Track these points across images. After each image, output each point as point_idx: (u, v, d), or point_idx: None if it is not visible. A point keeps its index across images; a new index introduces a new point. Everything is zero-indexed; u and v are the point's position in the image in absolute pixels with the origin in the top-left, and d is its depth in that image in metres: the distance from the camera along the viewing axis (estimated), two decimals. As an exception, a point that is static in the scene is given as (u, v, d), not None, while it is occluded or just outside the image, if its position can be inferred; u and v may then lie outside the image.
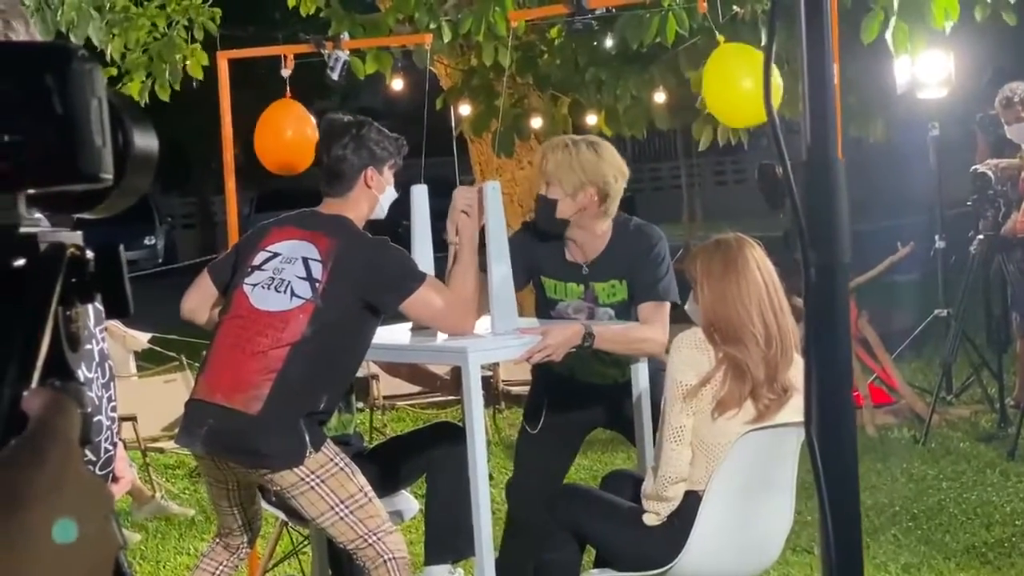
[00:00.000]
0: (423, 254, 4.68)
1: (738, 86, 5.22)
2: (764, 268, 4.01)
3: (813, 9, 1.44)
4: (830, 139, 1.44)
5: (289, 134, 6.56)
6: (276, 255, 4.29)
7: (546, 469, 4.80)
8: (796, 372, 3.98)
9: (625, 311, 4.63)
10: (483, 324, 4.60)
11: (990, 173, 7.80)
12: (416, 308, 4.28)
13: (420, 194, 4.77)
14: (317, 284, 4.20)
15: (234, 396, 4.13)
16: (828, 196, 1.41)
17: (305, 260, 4.24)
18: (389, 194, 4.46)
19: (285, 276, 4.23)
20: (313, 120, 6.67)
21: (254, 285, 4.26)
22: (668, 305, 4.55)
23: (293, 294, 4.20)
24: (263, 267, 4.29)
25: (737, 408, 3.90)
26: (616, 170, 4.56)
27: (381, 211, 4.47)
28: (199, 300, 4.46)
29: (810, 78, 1.44)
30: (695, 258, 4.08)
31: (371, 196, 4.40)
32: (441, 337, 4.47)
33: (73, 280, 0.97)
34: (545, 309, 4.77)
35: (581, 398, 4.80)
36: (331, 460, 4.16)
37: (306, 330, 4.15)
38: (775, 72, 5.45)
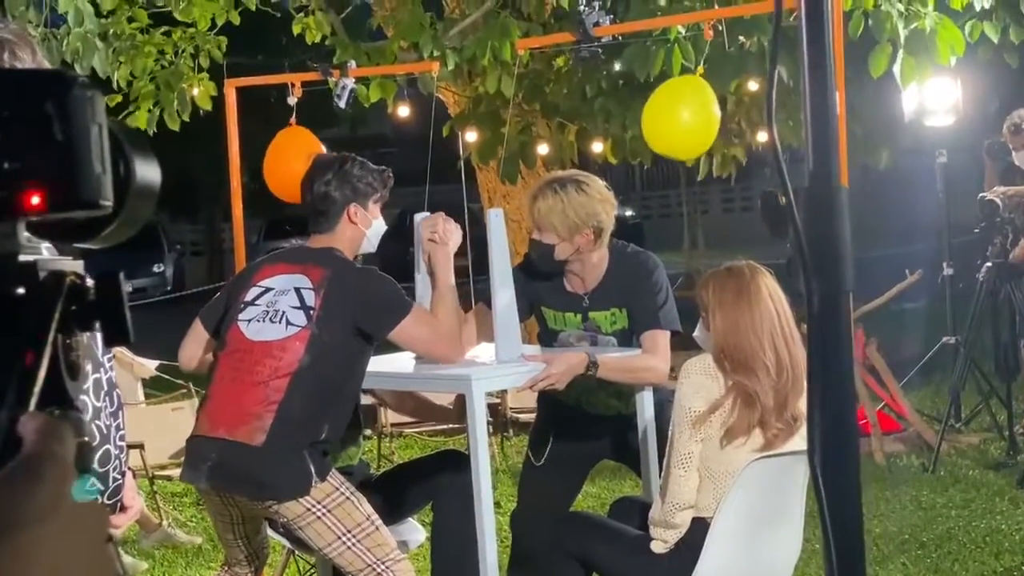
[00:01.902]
0: (426, 282, 4.68)
1: (677, 119, 5.22)
2: (776, 297, 4.00)
3: (814, 37, 1.44)
4: (832, 166, 1.44)
5: (299, 163, 6.58)
6: (269, 289, 4.32)
7: (551, 500, 4.77)
8: (805, 401, 3.97)
9: (627, 339, 4.63)
10: (487, 351, 4.60)
11: (998, 200, 7.79)
12: (404, 336, 4.30)
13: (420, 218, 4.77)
14: (311, 311, 4.21)
15: (237, 429, 4.13)
16: (830, 223, 1.41)
17: (298, 290, 4.27)
18: (377, 227, 4.49)
19: (279, 307, 4.26)
20: (323, 147, 6.68)
21: (248, 320, 4.28)
22: (668, 334, 4.54)
23: (288, 323, 4.22)
24: (256, 302, 4.31)
25: (745, 436, 3.89)
26: (607, 205, 4.53)
27: (370, 245, 4.50)
28: (195, 348, 4.48)
29: (812, 105, 1.44)
30: (707, 284, 4.07)
31: (356, 231, 4.43)
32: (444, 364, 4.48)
33: (73, 308, 0.97)
34: (547, 339, 4.76)
35: (587, 429, 4.79)
36: (336, 489, 4.16)
37: (304, 358, 4.16)
38: (714, 103, 5.47)
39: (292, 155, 6.52)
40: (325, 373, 4.18)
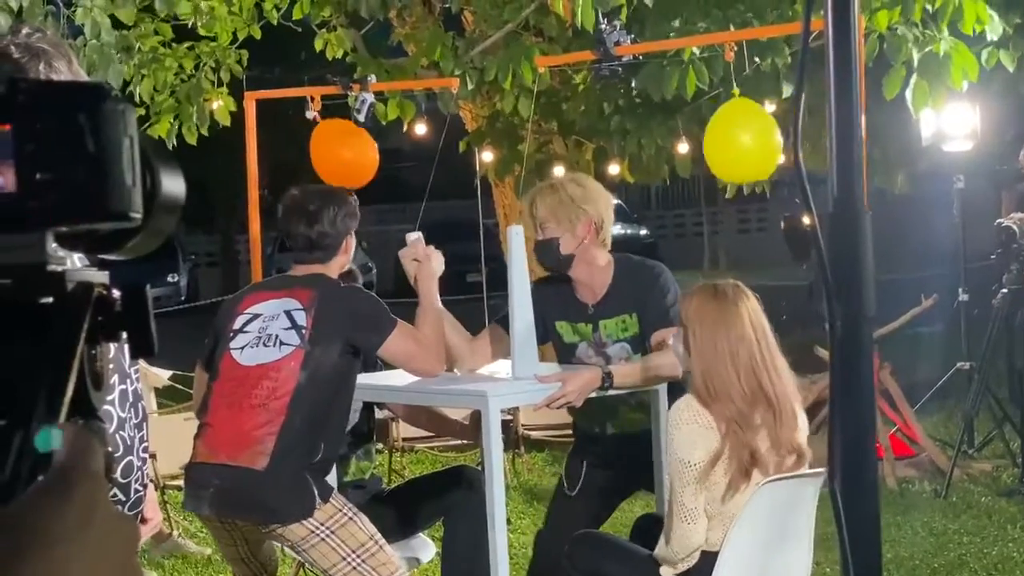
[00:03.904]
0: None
1: (737, 142, 5.24)
2: (757, 324, 3.94)
3: (841, 62, 1.44)
4: (856, 191, 1.44)
5: (345, 150, 6.62)
6: (257, 316, 4.36)
7: (578, 527, 4.76)
8: (803, 434, 3.94)
9: (639, 345, 4.64)
10: (504, 368, 4.62)
11: (1015, 227, 7.77)
12: (392, 349, 4.35)
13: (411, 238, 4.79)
14: (304, 331, 4.25)
15: (239, 454, 4.14)
16: (854, 248, 1.40)
17: (288, 313, 4.31)
18: (349, 257, 4.60)
19: (271, 331, 4.29)
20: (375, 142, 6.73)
21: (241, 348, 4.31)
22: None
23: (282, 344, 4.25)
24: (245, 329, 4.34)
25: (747, 481, 3.85)
26: (605, 199, 4.70)
27: (347, 266, 4.61)
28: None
29: (837, 130, 1.44)
30: (690, 300, 4.03)
31: (344, 260, 4.53)
32: (461, 380, 4.49)
33: (99, 319, 0.97)
34: (565, 355, 4.76)
35: (617, 456, 4.76)
36: (339, 511, 4.17)
37: (300, 377, 4.19)
38: (775, 131, 5.48)
39: (338, 142, 6.56)
40: (320, 391, 4.21)
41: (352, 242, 4.54)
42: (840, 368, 1.40)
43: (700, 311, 3.95)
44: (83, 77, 2.21)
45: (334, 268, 4.49)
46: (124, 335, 1.00)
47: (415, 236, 4.64)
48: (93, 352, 0.98)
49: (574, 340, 4.73)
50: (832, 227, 1.42)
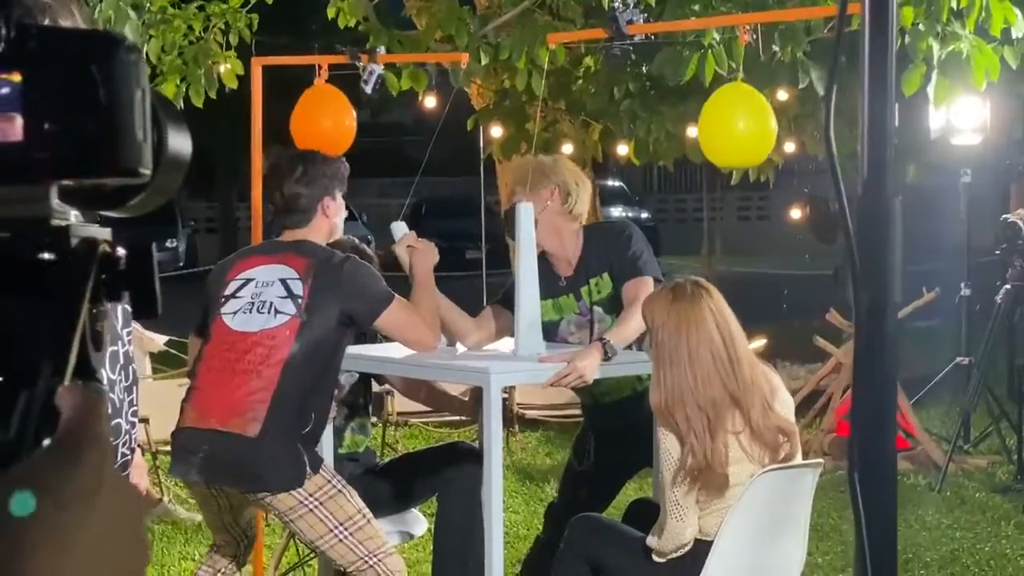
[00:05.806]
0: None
1: (732, 128, 5.21)
2: (720, 321, 3.90)
3: (876, 51, 1.40)
4: (887, 177, 1.40)
5: (328, 123, 6.55)
6: (249, 280, 4.32)
7: (588, 503, 4.75)
8: (785, 411, 3.92)
9: (613, 303, 4.65)
10: (506, 346, 4.60)
11: (1020, 223, 7.75)
12: (388, 320, 4.32)
13: (399, 229, 4.75)
14: (299, 300, 4.22)
15: (230, 420, 4.11)
16: (882, 234, 1.37)
17: (283, 281, 4.27)
18: (343, 214, 4.58)
19: (265, 298, 4.26)
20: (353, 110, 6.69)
21: (233, 313, 4.27)
22: (650, 280, 4.55)
23: (277, 311, 4.22)
24: (238, 294, 4.30)
25: (724, 491, 3.84)
26: (576, 175, 4.76)
27: (339, 231, 4.59)
28: None
29: (871, 116, 1.40)
30: (651, 306, 4.00)
31: (330, 223, 4.48)
32: (463, 356, 4.48)
33: (103, 277, 0.94)
34: (547, 336, 4.73)
35: (623, 435, 4.75)
36: (328, 483, 4.15)
37: (294, 346, 4.16)
38: (771, 117, 5.44)
39: (320, 114, 6.51)
40: (313, 361, 4.19)
41: (334, 205, 4.47)
42: (863, 354, 1.37)
43: (662, 317, 3.92)
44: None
45: (320, 234, 4.44)
46: (127, 295, 0.97)
47: (404, 228, 4.63)
48: (95, 312, 0.95)
49: (554, 318, 4.72)
50: (861, 212, 1.39)
